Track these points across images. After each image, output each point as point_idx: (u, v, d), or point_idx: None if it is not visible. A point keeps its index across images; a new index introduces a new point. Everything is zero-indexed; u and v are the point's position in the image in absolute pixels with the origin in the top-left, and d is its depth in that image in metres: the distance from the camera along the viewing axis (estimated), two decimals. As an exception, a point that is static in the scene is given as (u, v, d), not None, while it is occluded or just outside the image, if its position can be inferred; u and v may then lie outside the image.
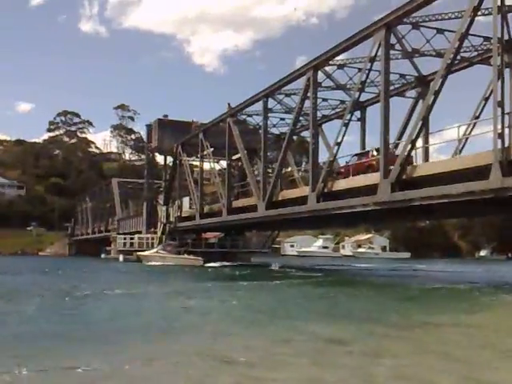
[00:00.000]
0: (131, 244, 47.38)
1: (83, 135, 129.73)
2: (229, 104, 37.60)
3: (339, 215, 26.33)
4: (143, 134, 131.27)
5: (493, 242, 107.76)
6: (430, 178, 20.22)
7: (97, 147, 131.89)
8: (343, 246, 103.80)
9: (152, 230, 48.02)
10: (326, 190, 25.72)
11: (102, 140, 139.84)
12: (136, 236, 47.99)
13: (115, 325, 10.50)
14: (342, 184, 25.25)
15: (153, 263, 39.29)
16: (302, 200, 27.60)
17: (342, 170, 26.49)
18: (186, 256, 41.71)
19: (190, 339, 8.97)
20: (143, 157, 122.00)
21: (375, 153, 24.38)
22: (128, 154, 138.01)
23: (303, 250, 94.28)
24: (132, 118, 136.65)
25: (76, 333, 9.44)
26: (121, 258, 47.31)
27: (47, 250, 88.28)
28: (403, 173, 21.03)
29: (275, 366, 7.00)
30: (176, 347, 8.27)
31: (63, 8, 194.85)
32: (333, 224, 43.43)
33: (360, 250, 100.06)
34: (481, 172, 17.73)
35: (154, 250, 44.25)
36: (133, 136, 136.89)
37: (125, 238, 48.48)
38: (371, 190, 22.69)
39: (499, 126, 16.60)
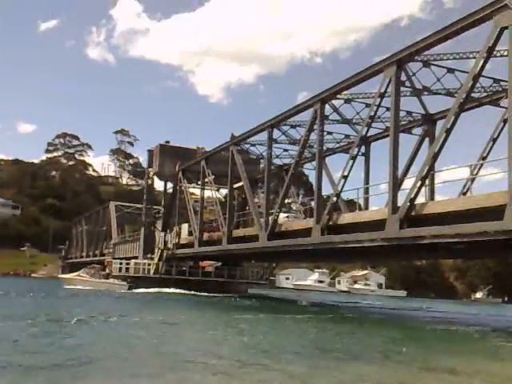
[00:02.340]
0: (127, 269, 46.43)
1: (81, 158, 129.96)
2: (232, 134, 37.57)
3: (343, 249, 25.91)
4: (142, 159, 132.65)
5: (488, 284, 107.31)
6: (439, 217, 19.92)
7: (94, 170, 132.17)
8: (339, 282, 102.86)
9: (149, 255, 47.26)
10: (330, 223, 25.34)
11: (101, 164, 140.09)
12: (132, 261, 47.09)
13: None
14: (348, 218, 24.90)
15: (73, 286, 38.76)
16: (306, 232, 27.20)
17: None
18: (110, 280, 41.16)
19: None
20: (140, 182, 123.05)
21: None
22: (125, 179, 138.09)
23: (299, 283, 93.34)
24: (131, 144, 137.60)
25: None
26: (116, 283, 46.48)
27: (40, 271, 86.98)
28: (412, 209, 20.74)
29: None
30: None
31: (71, 34, 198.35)
32: (336, 258, 42.93)
33: (356, 286, 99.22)
34: (492, 212, 17.45)
35: (76, 273, 43.71)
36: (131, 161, 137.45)
37: (121, 263, 47.53)
38: (378, 225, 22.34)
39: (514, 167, 16.36)
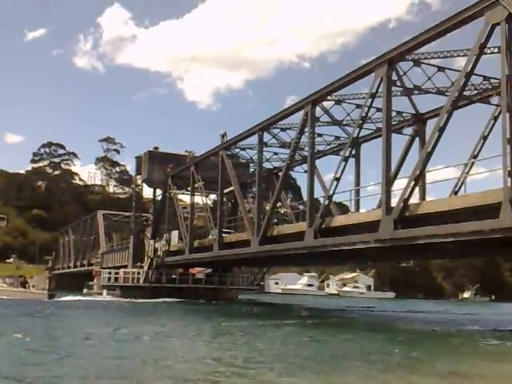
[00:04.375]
0: (116, 279, 45.78)
1: (67, 167, 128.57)
2: (224, 133, 37.44)
3: (337, 252, 25.68)
4: (129, 167, 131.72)
5: (475, 283, 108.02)
6: (433, 216, 19.77)
7: (81, 179, 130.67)
8: (328, 285, 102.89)
9: (138, 264, 46.65)
10: (323, 226, 25.09)
11: (87, 172, 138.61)
12: (121, 270, 46.48)
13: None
14: (341, 220, 24.70)
15: None
16: (298, 236, 26.93)
17: None
18: (29, 290, 40.63)
19: None
20: (127, 189, 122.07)
21: None
22: (112, 187, 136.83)
23: (288, 287, 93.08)
24: (117, 151, 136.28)
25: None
26: (104, 293, 45.87)
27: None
28: (406, 209, 20.58)
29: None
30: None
31: (59, 43, 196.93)
32: (329, 261, 42.69)
33: (345, 288, 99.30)
34: (487, 211, 17.34)
35: None
36: (118, 169, 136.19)
37: (109, 273, 46.86)
38: (371, 226, 22.15)
39: (509, 164, 16.28)
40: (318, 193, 30.75)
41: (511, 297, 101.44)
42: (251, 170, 44.79)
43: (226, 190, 40.15)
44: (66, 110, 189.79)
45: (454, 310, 46.56)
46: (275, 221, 34.07)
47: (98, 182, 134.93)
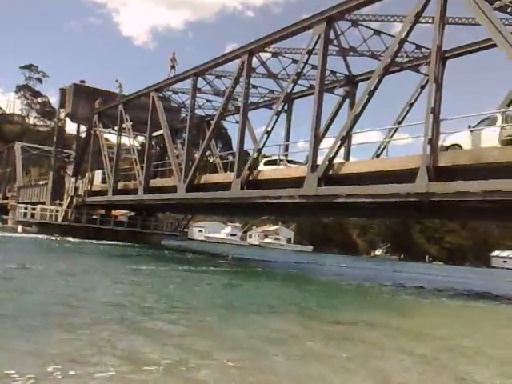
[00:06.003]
0: (32, 215, 44.12)
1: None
2: (173, 55, 36.17)
3: (262, 204, 26.18)
4: (53, 99, 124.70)
5: (387, 242, 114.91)
6: (356, 177, 20.55)
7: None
8: (250, 236, 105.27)
9: (57, 201, 45.09)
10: (251, 178, 25.36)
11: (6, 101, 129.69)
12: (38, 207, 44.75)
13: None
14: (268, 173, 25.02)
15: None
16: (225, 186, 27.07)
17: None
18: None
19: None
20: (49, 123, 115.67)
21: None
22: (33, 119, 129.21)
23: (211, 235, 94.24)
24: (40, 80, 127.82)
25: None
26: (19, 228, 44.20)
27: None
28: (330, 168, 21.20)
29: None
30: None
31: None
32: (254, 212, 43.48)
33: (266, 240, 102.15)
34: (406, 175, 18.23)
35: None
36: (39, 99, 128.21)
37: (26, 208, 44.98)
38: (297, 182, 22.68)
39: (430, 132, 17.09)
40: (248, 145, 31.00)
41: (418, 257, 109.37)
42: (183, 115, 43.94)
43: (155, 134, 39.18)
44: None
45: (365, 265, 49.35)
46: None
47: (18, 112, 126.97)
